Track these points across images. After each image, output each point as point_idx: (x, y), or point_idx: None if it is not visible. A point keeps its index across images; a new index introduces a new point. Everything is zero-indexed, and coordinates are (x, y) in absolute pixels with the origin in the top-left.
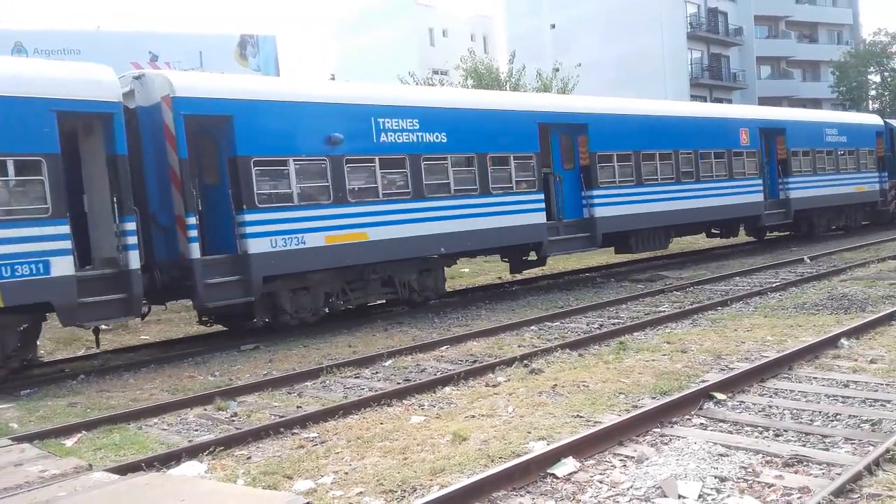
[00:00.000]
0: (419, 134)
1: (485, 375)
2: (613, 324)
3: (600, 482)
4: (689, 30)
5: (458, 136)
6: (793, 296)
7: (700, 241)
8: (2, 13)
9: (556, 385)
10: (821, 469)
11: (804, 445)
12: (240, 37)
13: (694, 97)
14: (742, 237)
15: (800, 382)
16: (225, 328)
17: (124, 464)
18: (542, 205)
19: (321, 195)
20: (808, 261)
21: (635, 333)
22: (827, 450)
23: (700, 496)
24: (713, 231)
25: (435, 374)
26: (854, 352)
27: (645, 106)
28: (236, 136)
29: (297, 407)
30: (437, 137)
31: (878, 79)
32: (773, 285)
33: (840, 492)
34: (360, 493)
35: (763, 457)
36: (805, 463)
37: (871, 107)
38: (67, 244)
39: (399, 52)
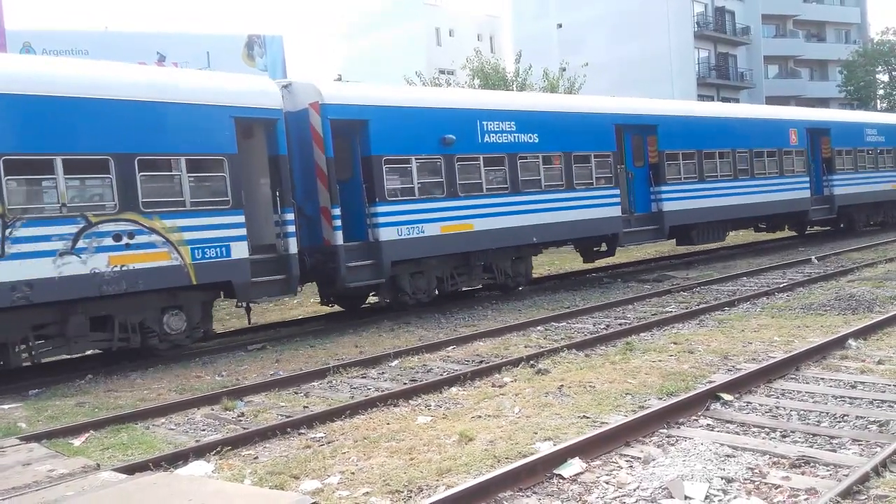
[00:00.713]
0: (516, 135)
1: (491, 376)
2: (620, 324)
3: (607, 483)
4: (696, 29)
5: (548, 137)
6: (800, 296)
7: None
8: (10, 14)
9: (562, 385)
10: (828, 470)
11: (811, 446)
12: (247, 37)
13: (701, 97)
14: (756, 233)
15: (807, 383)
16: (342, 308)
17: (132, 463)
18: (618, 199)
19: (436, 190)
20: (816, 261)
21: (642, 334)
22: (834, 451)
23: (706, 497)
24: (759, 226)
25: (441, 375)
26: (862, 352)
27: (706, 108)
28: (371, 138)
29: (304, 407)
30: (530, 138)
31: (886, 78)
32: (781, 285)
33: (847, 493)
34: (367, 493)
35: (770, 458)
36: (812, 464)
37: (878, 106)
38: (243, 231)
39: (406, 52)
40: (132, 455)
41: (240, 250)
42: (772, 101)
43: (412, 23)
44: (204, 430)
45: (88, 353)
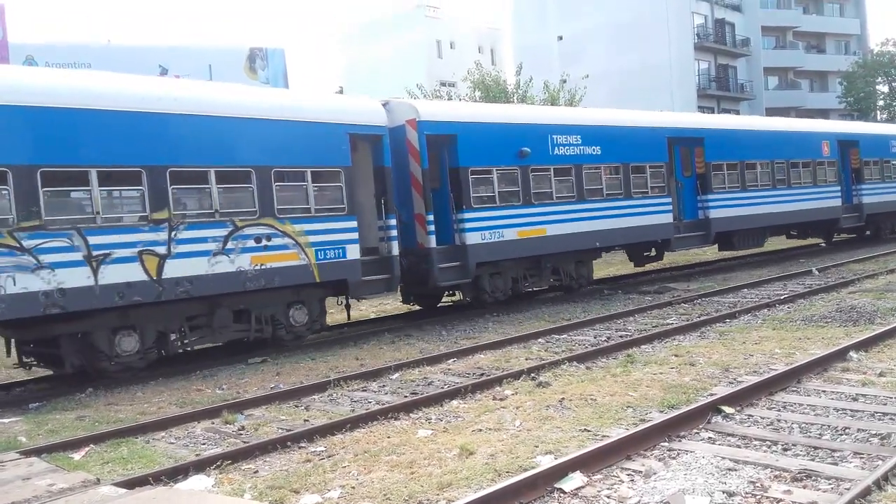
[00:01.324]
0: (581, 148)
1: (492, 389)
2: (621, 336)
3: (608, 497)
4: (696, 40)
5: (609, 149)
6: (801, 308)
7: (707, 254)
8: (13, 27)
9: (563, 398)
10: (829, 484)
11: (813, 460)
12: (249, 50)
13: (701, 108)
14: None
15: (808, 396)
16: (420, 307)
17: (132, 478)
18: (670, 207)
19: (514, 198)
20: (817, 272)
21: (643, 346)
22: (836, 464)
23: None
24: (791, 233)
25: (442, 388)
26: (863, 365)
27: (748, 122)
28: (459, 151)
29: (305, 420)
30: (593, 150)
31: (886, 89)
32: (782, 297)
33: None
34: None
35: (771, 471)
36: (814, 477)
37: (878, 117)
38: (356, 235)
39: (407, 64)
40: (132, 469)
41: (353, 252)
42: (772, 112)
43: (413, 35)
44: (204, 444)
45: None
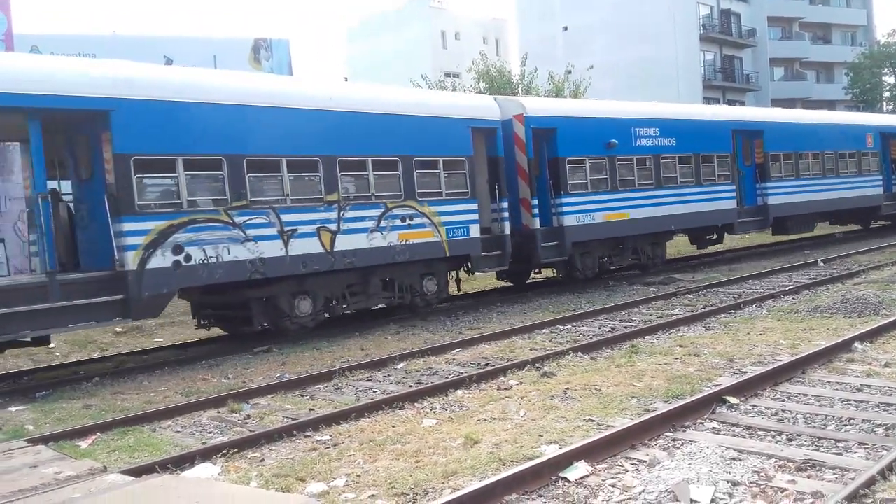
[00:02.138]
0: (659, 139)
1: (497, 379)
2: (626, 327)
3: (612, 486)
4: (701, 31)
5: (683, 141)
6: (806, 299)
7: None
8: (18, 17)
9: (567, 388)
10: (834, 474)
11: (817, 450)
12: (253, 41)
13: (707, 99)
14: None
15: (813, 386)
16: (511, 284)
17: (138, 466)
18: (734, 193)
19: (602, 185)
20: (822, 264)
21: (647, 337)
22: (840, 454)
23: (712, 501)
24: (833, 221)
25: (447, 378)
26: (868, 356)
27: (802, 115)
28: (558, 143)
29: (310, 410)
30: (669, 142)
31: (892, 80)
32: (787, 288)
33: (853, 497)
34: (373, 495)
35: (776, 461)
36: (818, 468)
37: (885, 108)
38: (477, 216)
39: (412, 55)
40: (139, 457)
41: (475, 231)
42: (777, 103)
43: (418, 26)
44: (210, 433)
45: (98, 354)
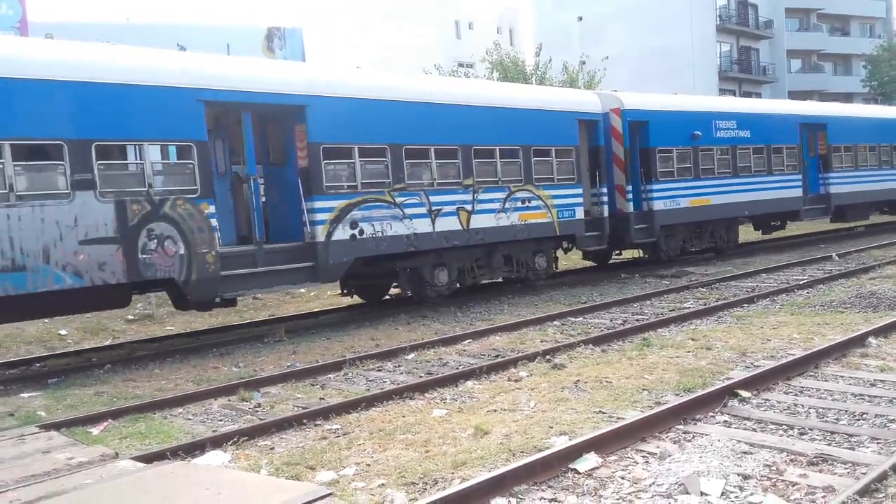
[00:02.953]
0: (736, 131)
1: (507, 370)
2: (637, 320)
3: (622, 478)
4: (718, 22)
5: (756, 133)
6: (820, 293)
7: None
8: (32, 5)
9: (578, 380)
10: (846, 468)
11: (829, 444)
12: (267, 29)
13: (723, 91)
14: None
15: (826, 381)
16: (595, 264)
17: (150, 452)
18: (801, 183)
19: (686, 173)
20: (837, 258)
21: (659, 330)
22: (852, 449)
23: (723, 493)
24: (883, 210)
25: (457, 368)
26: (882, 351)
27: (861, 110)
28: (650, 134)
29: (320, 399)
30: (745, 134)
31: None
32: (801, 283)
33: (865, 491)
34: (382, 484)
35: (787, 455)
36: (830, 462)
37: None
38: (581, 199)
39: (426, 45)
40: (150, 444)
41: (580, 213)
42: (794, 95)
43: (432, 15)
44: (221, 421)
45: (110, 342)
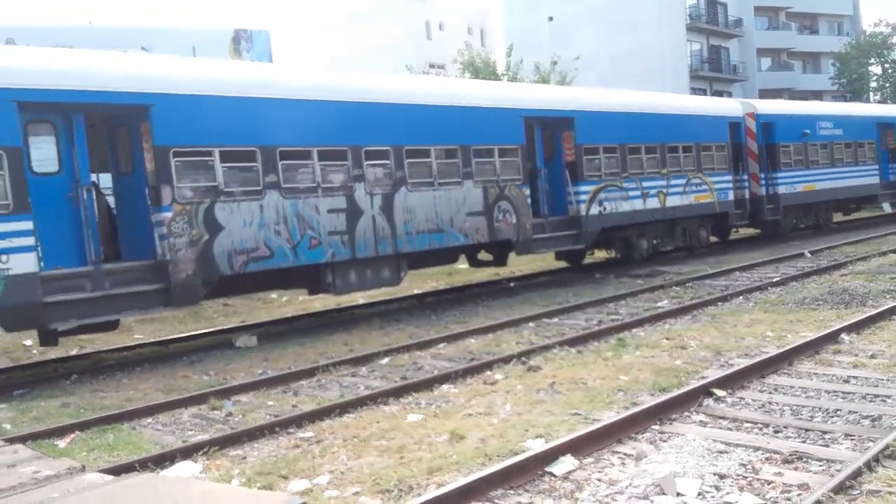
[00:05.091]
0: (832, 130)
1: (483, 373)
2: (612, 320)
3: (599, 480)
4: (688, 21)
5: (846, 131)
6: (793, 290)
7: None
8: None
9: (554, 382)
10: (821, 465)
11: (804, 442)
12: (234, 31)
13: (694, 90)
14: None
15: (800, 378)
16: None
17: (118, 465)
18: (878, 172)
19: (800, 164)
20: (809, 255)
21: (634, 330)
22: (827, 446)
23: (699, 494)
24: None
25: (432, 372)
26: (855, 347)
27: None
28: (775, 133)
29: (293, 406)
30: (838, 132)
31: (878, 70)
32: (774, 280)
33: (840, 488)
34: (357, 492)
35: (763, 454)
36: (805, 459)
37: (871, 98)
38: (731, 184)
39: (396, 46)
40: (118, 456)
41: (731, 195)
42: (765, 94)
43: (401, 16)
44: (191, 431)
45: (76, 351)
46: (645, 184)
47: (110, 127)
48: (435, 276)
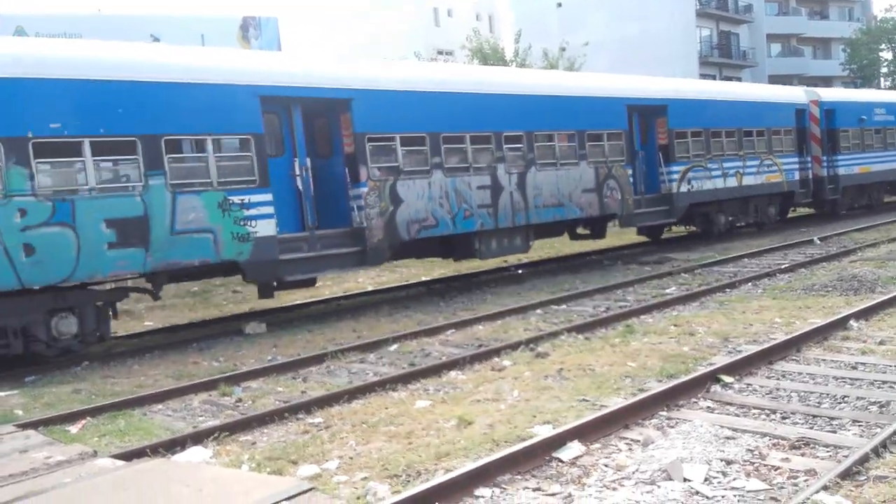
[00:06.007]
0: (885, 116)
1: (490, 360)
2: (620, 307)
3: (606, 466)
4: (698, 7)
5: None
6: (802, 277)
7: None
8: None
9: (561, 369)
10: (828, 451)
11: (811, 428)
12: (242, 19)
13: (703, 76)
14: None
15: (808, 364)
16: (814, 211)
17: (129, 450)
18: None
19: (857, 147)
20: (818, 242)
21: (642, 316)
22: (834, 432)
23: (706, 479)
24: None
25: (440, 359)
26: (863, 333)
27: None
28: (836, 118)
29: (302, 392)
30: (891, 118)
31: (889, 55)
32: (782, 267)
33: (847, 474)
34: (365, 477)
35: (770, 440)
36: (812, 445)
37: (882, 84)
38: (797, 166)
39: (404, 34)
40: (129, 441)
41: (797, 175)
42: (774, 80)
43: (410, 3)
44: (201, 416)
45: None
46: (725, 164)
47: (309, 119)
48: (442, 264)
